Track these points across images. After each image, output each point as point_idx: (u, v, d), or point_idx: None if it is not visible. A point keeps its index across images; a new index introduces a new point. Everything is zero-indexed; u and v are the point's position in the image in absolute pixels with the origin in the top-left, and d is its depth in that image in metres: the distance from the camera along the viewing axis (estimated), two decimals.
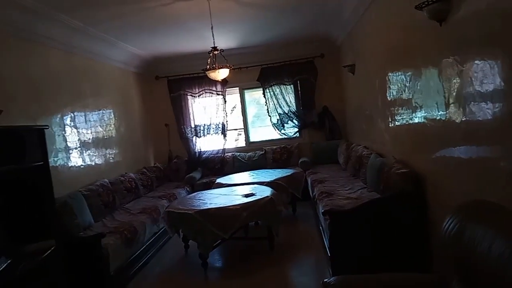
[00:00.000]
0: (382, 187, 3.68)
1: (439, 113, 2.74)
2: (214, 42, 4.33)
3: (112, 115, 5.92)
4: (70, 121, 4.70)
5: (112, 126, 5.88)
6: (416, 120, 3.26)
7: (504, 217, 1.75)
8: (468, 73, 2.25)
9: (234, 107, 7.81)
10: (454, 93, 2.47)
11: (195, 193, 4.85)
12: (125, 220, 4.46)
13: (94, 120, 5.33)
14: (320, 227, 4.37)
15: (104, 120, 5.64)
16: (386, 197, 3.41)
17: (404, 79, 3.49)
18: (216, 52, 4.25)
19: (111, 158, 5.71)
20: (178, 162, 7.15)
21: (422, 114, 3.10)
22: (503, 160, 2.01)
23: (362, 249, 3.20)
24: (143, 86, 7.22)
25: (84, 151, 4.96)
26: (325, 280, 2.12)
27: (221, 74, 4.35)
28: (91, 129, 5.20)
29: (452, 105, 2.53)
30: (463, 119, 2.39)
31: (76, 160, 4.72)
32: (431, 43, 2.78)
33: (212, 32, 4.25)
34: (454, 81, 2.45)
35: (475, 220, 1.81)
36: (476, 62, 2.16)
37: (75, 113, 4.83)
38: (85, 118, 5.08)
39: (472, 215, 1.87)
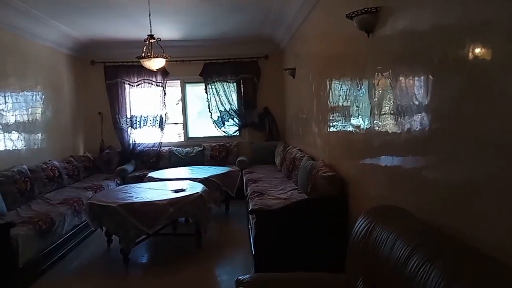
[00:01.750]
0: (309, 189, 3.77)
1: (365, 123, 2.86)
2: (151, 29, 4.17)
3: (39, 98, 5.50)
4: None
5: (38, 109, 5.47)
6: (345, 128, 3.37)
7: (408, 222, 1.85)
8: (392, 86, 2.35)
9: (179, 100, 7.62)
10: (379, 105, 2.58)
11: (122, 186, 4.65)
12: (42, 210, 4.15)
13: (17, 102, 4.91)
14: (249, 226, 4.38)
15: (29, 102, 5.22)
16: (311, 198, 3.50)
17: (337, 86, 3.60)
18: (152, 41, 4.10)
19: (34, 143, 5.31)
20: (110, 153, 6.82)
21: (351, 122, 3.21)
22: (415, 170, 2.11)
23: (285, 248, 3.25)
24: (77, 70, 6.80)
25: (2, 134, 4.54)
26: (239, 277, 2.10)
27: (156, 63, 4.20)
28: (12, 111, 4.78)
29: (376, 115, 2.64)
30: (383, 130, 2.51)
31: None
32: (360, 54, 2.89)
33: (150, 19, 4.09)
34: (380, 92, 2.56)
35: (382, 223, 1.90)
36: (398, 76, 2.26)
37: None
38: (5, 99, 4.66)
39: (380, 218, 1.96)
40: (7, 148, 4.64)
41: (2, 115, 4.58)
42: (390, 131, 2.41)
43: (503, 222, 1.41)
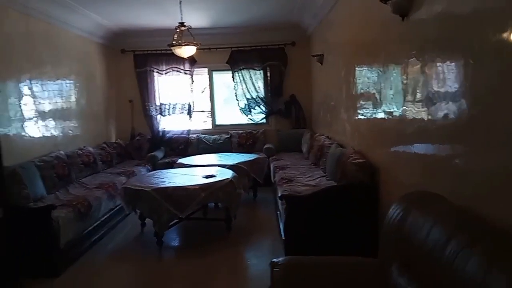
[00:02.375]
0: (339, 176, 3.77)
1: (398, 109, 2.83)
2: (181, 17, 4.21)
3: (73, 86, 5.68)
4: (26, 88, 4.47)
5: (72, 97, 5.66)
6: (377, 114, 3.35)
7: (444, 207, 1.85)
8: (426, 72, 2.32)
9: (204, 89, 7.71)
10: (412, 91, 2.55)
11: (155, 171, 4.79)
12: (80, 194, 4.34)
13: (52, 90, 5.09)
14: (278, 212, 4.44)
15: (64, 90, 5.40)
16: (341, 185, 3.51)
17: (368, 73, 3.56)
18: (183, 28, 4.16)
19: (69, 130, 5.51)
20: (141, 140, 7.00)
21: (383, 109, 3.18)
22: (451, 158, 2.09)
23: (315, 233, 3.30)
24: (108, 59, 6.97)
25: (40, 121, 4.74)
26: (274, 260, 2.16)
27: (187, 51, 4.26)
28: (49, 99, 4.98)
29: (409, 102, 2.61)
30: (417, 117, 2.48)
31: (30, 129, 4.51)
32: (393, 38, 2.85)
33: (180, 7, 4.14)
34: (413, 78, 2.53)
35: (418, 209, 1.90)
36: (434, 61, 2.23)
37: (32, 81, 4.60)
38: (42, 87, 4.84)
39: (415, 204, 1.97)
40: (45, 135, 4.84)
41: (40, 102, 4.77)
42: (424, 118, 2.38)
43: None
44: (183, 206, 3.74)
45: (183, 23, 4.19)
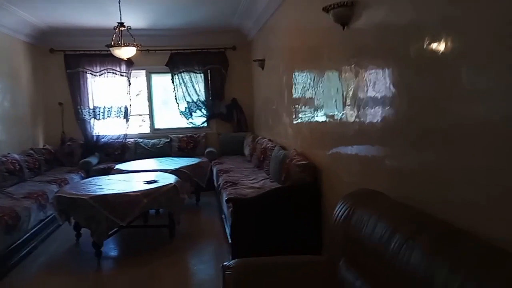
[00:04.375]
0: (283, 178, 3.86)
1: (338, 112, 2.98)
2: (121, 17, 4.05)
3: None
4: None
5: None
6: (318, 118, 3.48)
7: (386, 203, 1.97)
8: (363, 77, 2.50)
9: (140, 91, 7.46)
10: (351, 95, 2.71)
11: (91, 178, 4.52)
12: (6, 205, 3.94)
13: None
14: (223, 216, 4.42)
15: None
16: (286, 186, 3.59)
17: (309, 78, 3.70)
18: (122, 29, 3.98)
19: None
20: (72, 145, 6.56)
21: (323, 113, 3.32)
22: (386, 158, 2.27)
23: (262, 235, 3.32)
24: (35, 59, 6.45)
25: None
26: (225, 263, 2.15)
27: (127, 52, 4.10)
28: None
29: (348, 106, 2.77)
30: (356, 120, 2.64)
31: None
32: (334, 46, 3.00)
33: (119, 6, 3.97)
34: (351, 84, 2.69)
35: (362, 206, 2.01)
36: (370, 68, 2.41)
37: None
38: None
39: (360, 201, 2.07)
40: None
41: None
42: (361, 121, 2.55)
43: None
44: (125, 214, 3.57)
45: (122, 23, 4.02)
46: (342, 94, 2.87)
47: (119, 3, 3.95)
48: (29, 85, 6.25)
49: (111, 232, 3.81)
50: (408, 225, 1.67)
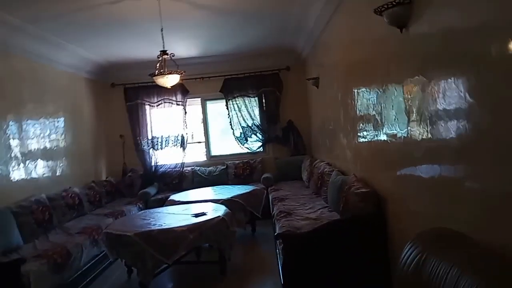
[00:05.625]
0: (341, 208, 3.39)
1: (401, 130, 2.50)
2: (163, 45, 3.98)
3: (59, 124, 5.41)
4: (5, 128, 4.20)
5: (59, 135, 5.38)
6: (378, 137, 3.01)
7: (469, 250, 1.48)
8: (431, 89, 2.03)
9: (203, 119, 7.43)
10: (416, 110, 2.23)
11: (141, 212, 4.41)
12: (60, 241, 3.95)
13: (35, 129, 4.81)
14: (277, 251, 4.03)
15: (49, 128, 5.13)
16: (343, 219, 3.13)
17: (366, 93, 3.26)
18: (166, 57, 3.90)
19: (54, 171, 5.19)
20: (133, 176, 6.66)
21: (384, 132, 2.85)
22: (467, 180, 1.75)
23: (318, 276, 2.88)
24: (97, 94, 6.74)
25: (21, 163, 4.43)
26: None
27: (170, 80, 3.98)
28: (31, 138, 4.69)
29: (413, 122, 2.29)
30: (424, 137, 2.15)
31: (11, 172, 4.20)
32: (392, 54, 2.55)
33: (162, 34, 3.91)
34: (417, 96, 2.22)
35: (436, 253, 1.53)
36: (439, 76, 1.95)
37: (11, 121, 4.33)
38: (22, 127, 4.56)
39: (433, 246, 1.60)
40: (25, 178, 4.51)
41: (22, 143, 4.48)
42: (431, 139, 2.06)
43: None
44: (170, 251, 3.34)
45: (165, 51, 3.95)
46: (406, 109, 2.39)
47: (161, 31, 3.88)
48: (91, 119, 6.50)
49: (158, 270, 3.59)
50: (501, 280, 1.18)
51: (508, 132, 1.44)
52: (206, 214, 3.84)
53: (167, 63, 4.14)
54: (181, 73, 4.05)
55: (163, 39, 3.93)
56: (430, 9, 1.98)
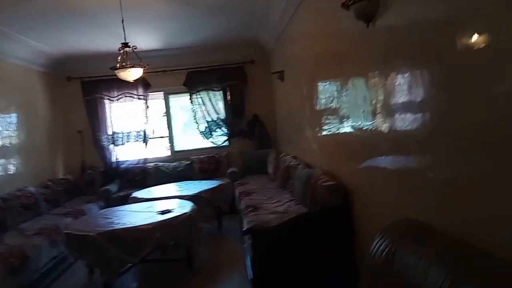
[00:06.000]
0: (308, 201, 3.43)
1: (366, 123, 2.55)
2: (125, 37, 3.82)
3: (11, 119, 5.09)
4: None
5: (12, 132, 5.05)
6: (344, 130, 3.06)
7: (438, 242, 1.52)
8: (393, 81, 2.09)
9: (165, 113, 7.23)
10: (381, 102, 2.29)
11: (104, 210, 4.25)
12: (16, 243, 3.72)
13: None
14: (245, 245, 4.01)
15: (0, 125, 4.80)
16: (311, 212, 3.16)
17: (332, 86, 3.30)
18: (127, 49, 3.74)
19: (7, 170, 4.88)
20: (93, 173, 6.39)
21: (350, 124, 2.90)
22: (427, 170, 1.83)
23: (286, 269, 2.89)
24: (53, 88, 6.38)
25: None
26: None
27: (132, 73, 3.84)
28: None
29: (378, 114, 2.34)
30: (388, 129, 2.21)
31: None
32: (358, 47, 2.59)
33: (123, 25, 3.75)
34: (381, 89, 2.27)
35: (407, 245, 1.56)
36: (401, 69, 2.02)
37: None
38: None
39: (403, 238, 1.63)
40: None
41: None
42: (395, 130, 2.14)
43: None
44: (135, 251, 3.23)
45: (127, 43, 3.78)
46: (371, 101, 2.45)
47: (122, 22, 3.71)
48: (47, 114, 6.16)
49: (123, 269, 3.48)
50: (472, 273, 1.23)
51: (461, 124, 1.54)
52: (171, 211, 3.74)
53: (129, 56, 3.98)
54: (144, 67, 3.91)
55: (124, 31, 3.77)
56: (395, 3, 2.01)
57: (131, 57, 4.11)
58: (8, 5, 3.75)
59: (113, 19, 4.33)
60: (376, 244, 1.74)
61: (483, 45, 1.39)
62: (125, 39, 3.82)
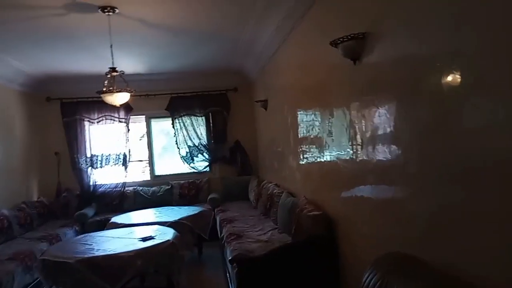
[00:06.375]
0: (293, 230, 3.45)
1: (349, 153, 2.67)
2: (113, 62, 3.83)
3: None
4: None
5: None
6: (326, 159, 3.16)
7: (429, 277, 1.57)
8: (373, 114, 2.25)
9: (143, 136, 7.19)
10: (361, 133, 2.44)
11: (82, 236, 4.12)
12: None
13: None
14: (227, 274, 3.96)
15: None
16: (297, 242, 3.18)
17: (316, 117, 3.40)
18: (114, 74, 3.75)
19: None
20: (68, 196, 6.21)
21: (332, 154, 3.00)
22: (413, 202, 1.92)
23: None
24: (30, 108, 6.24)
25: None
26: None
27: (119, 98, 3.83)
28: None
29: (358, 145, 2.48)
30: (368, 159, 2.36)
31: None
32: (343, 82, 2.72)
33: (111, 50, 3.77)
34: (361, 121, 2.42)
35: (398, 280, 1.61)
36: (380, 103, 2.17)
37: None
38: None
39: (393, 273, 1.67)
40: None
41: None
42: (374, 160, 2.28)
43: None
44: (116, 279, 3.14)
45: (114, 68, 3.80)
46: (353, 132, 2.56)
47: (111, 47, 3.74)
48: (24, 135, 6.00)
49: None
50: None
51: (438, 156, 1.67)
52: (154, 238, 3.68)
53: (116, 79, 3.99)
54: (131, 91, 3.92)
55: (112, 56, 3.78)
56: (379, 44, 2.15)
57: (117, 80, 4.11)
58: None
59: (99, 43, 4.36)
60: (367, 277, 1.78)
61: (458, 83, 1.53)
62: (112, 64, 3.83)
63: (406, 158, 1.96)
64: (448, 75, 1.57)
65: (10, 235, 4.66)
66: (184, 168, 6.91)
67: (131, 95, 3.96)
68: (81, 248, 3.53)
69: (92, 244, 3.63)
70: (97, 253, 3.33)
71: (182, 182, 6.66)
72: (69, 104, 6.49)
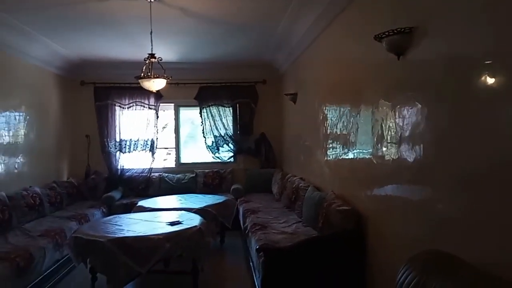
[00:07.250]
0: (320, 224, 3.45)
1: (385, 150, 2.64)
2: (152, 48, 3.90)
3: (22, 119, 5.10)
4: None
5: (21, 131, 5.06)
6: (362, 156, 3.12)
7: (469, 275, 1.55)
8: (420, 112, 2.19)
9: (166, 124, 7.30)
10: (401, 131, 2.40)
11: (112, 217, 4.22)
12: (21, 244, 3.70)
13: None
14: (251, 263, 4.00)
15: (11, 123, 4.81)
16: (327, 235, 3.17)
17: (347, 113, 3.38)
18: (153, 60, 3.81)
19: (15, 167, 4.87)
20: (96, 179, 6.38)
21: (368, 151, 2.97)
22: (439, 203, 1.92)
23: None
24: (65, 91, 6.44)
25: None
26: None
27: (156, 84, 3.89)
28: None
29: (403, 144, 2.41)
30: (404, 158, 2.33)
31: None
32: (387, 78, 2.66)
33: (151, 37, 3.83)
34: (406, 118, 2.36)
35: (438, 278, 1.59)
36: (428, 101, 2.11)
37: None
38: None
39: (432, 270, 1.65)
40: None
41: None
42: (415, 160, 2.23)
43: None
44: (145, 260, 3.21)
45: (153, 54, 3.86)
46: (388, 129, 2.53)
47: (151, 34, 3.80)
48: (57, 117, 6.19)
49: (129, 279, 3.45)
50: None
51: (478, 156, 1.67)
52: (182, 223, 3.75)
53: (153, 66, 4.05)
54: (168, 78, 3.97)
55: (151, 42, 3.85)
56: (427, 40, 2.11)
57: (155, 67, 4.18)
58: (40, 7, 3.83)
59: (138, 29, 4.44)
60: (402, 275, 1.76)
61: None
62: (152, 50, 3.90)
63: (446, 158, 1.92)
64: (501, 76, 1.53)
65: (41, 212, 4.82)
66: (208, 157, 6.98)
67: (167, 82, 4.02)
68: (112, 228, 3.63)
69: (122, 225, 3.73)
70: (127, 234, 3.41)
71: (206, 171, 6.74)
72: (102, 89, 6.64)
